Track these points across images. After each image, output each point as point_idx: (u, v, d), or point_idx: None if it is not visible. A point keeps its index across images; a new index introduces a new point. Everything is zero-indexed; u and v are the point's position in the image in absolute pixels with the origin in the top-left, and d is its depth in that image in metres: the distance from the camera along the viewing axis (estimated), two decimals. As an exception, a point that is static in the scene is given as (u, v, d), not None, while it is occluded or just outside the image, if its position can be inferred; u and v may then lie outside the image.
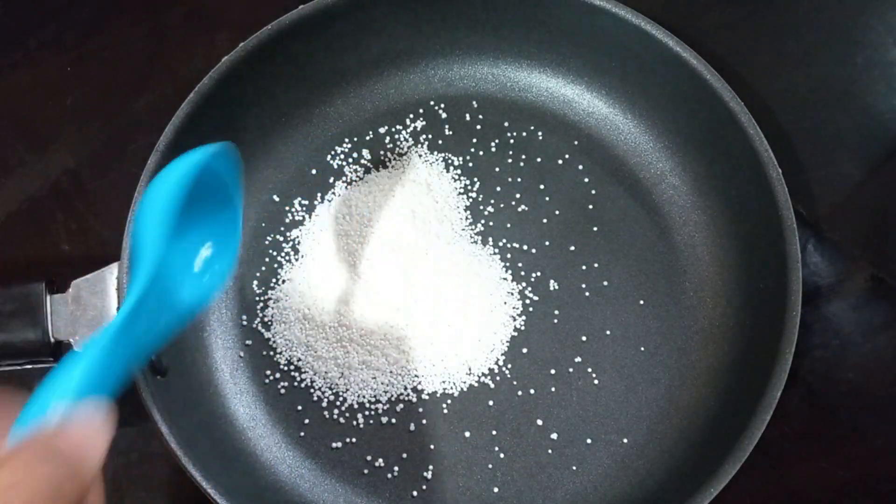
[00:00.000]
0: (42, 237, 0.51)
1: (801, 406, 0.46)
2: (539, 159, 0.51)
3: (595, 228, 0.49)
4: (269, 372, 0.47)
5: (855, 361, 0.47)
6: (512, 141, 0.52)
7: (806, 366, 0.46)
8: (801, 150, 0.50)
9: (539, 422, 0.46)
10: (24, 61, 0.56)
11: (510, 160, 0.51)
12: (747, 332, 0.45)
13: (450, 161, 0.51)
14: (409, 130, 0.52)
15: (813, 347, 0.46)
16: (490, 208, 0.50)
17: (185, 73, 0.46)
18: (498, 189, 0.50)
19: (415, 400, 0.46)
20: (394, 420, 0.46)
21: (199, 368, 0.46)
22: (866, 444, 0.45)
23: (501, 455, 0.45)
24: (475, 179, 0.51)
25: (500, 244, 0.49)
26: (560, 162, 0.51)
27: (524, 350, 0.47)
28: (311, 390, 0.47)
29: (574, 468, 0.45)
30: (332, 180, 0.51)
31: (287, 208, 0.50)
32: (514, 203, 0.50)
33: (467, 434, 0.46)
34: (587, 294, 0.48)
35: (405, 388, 0.46)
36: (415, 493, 0.45)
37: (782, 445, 0.44)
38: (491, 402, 0.46)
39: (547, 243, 0.49)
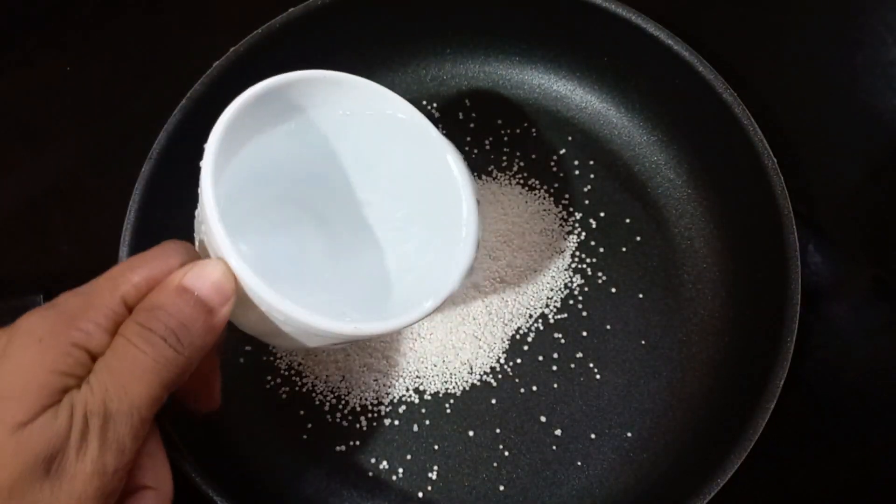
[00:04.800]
0: (41, 237, 0.51)
1: (802, 406, 0.45)
2: (533, 156, 0.51)
3: (592, 224, 0.49)
4: (269, 377, 0.47)
5: (856, 362, 0.46)
6: (506, 138, 0.52)
7: (806, 366, 0.46)
8: (801, 150, 0.49)
9: (542, 418, 0.46)
10: (24, 61, 0.55)
11: (504, 157, 0.51)
12: (748, 322, 0.45)
13: (444, 160, 0.51)
14: (402, 131, 0.52)
15: (813, 348, 0.46)
16: (486, 206, 0.50)
17: (184, 73, 0.46)
18: (493, 187, 0.50)
19: (417, 401, 0.46)
20: (397, 422, 0.46)
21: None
22: (867, 445, 0.45)
23: (506, 453, 0.45)
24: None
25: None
26: (555, 158, 0.51)
27: (525, 347, 0.47)
28: (313, 395, 0.46)
29: (579, 463, 0.45)
30: (326, 183, 0.51)
31: (282, 212, 0.50)
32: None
33: (471, 433, 0.46)
34: (586, 289, 0.48)
35: (407, 390, 0.46)
36: (420, 495, 0.44)
37: (782, 445, 0.44)
38: (494, 401, 0.46)
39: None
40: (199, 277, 0.29)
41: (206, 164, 0.31)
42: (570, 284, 0.48)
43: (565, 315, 0.48)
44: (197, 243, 0.33)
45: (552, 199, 0.50)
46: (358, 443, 0.45)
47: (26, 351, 0.27)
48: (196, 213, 0.34)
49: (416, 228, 0.39)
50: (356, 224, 0.40)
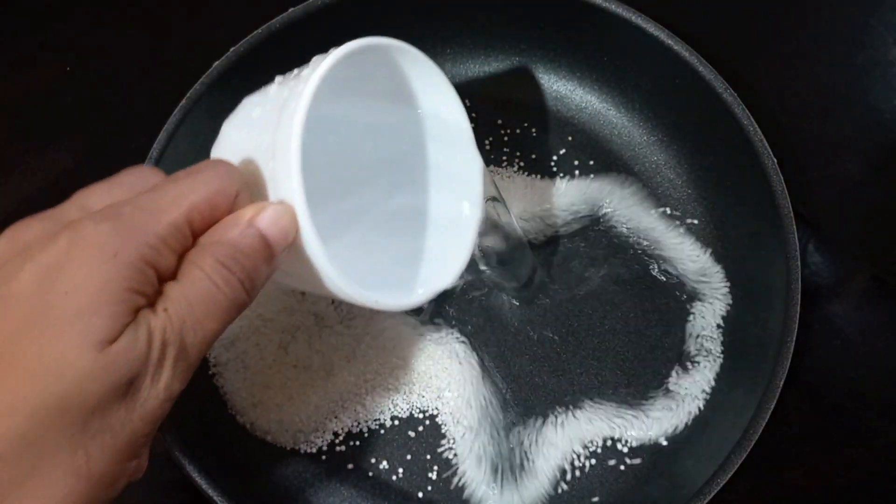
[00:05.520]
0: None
1: (801, 406, 0.45)
2: (533, 156, 0.51)
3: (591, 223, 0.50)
4: (269, 377, 0.47)
5: (855, 361, 0.46)
6: (506, 138, 0.52)
7: (806, 366, 0.46)
8: (801, 150, 0.49)
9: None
10: (24, 61, 0.55)
11: (504, 157, 0.51)
12: (748, 322, 0.45)
13: (444, 160, 0.51)
14: (402, 131, 0.52)
15: (813, 347, 0.46)
16: (486, 206, 0.50)
17: (184, 72, 0.46)
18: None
19: (418, 401, 0.46)
20: (397, 422, 0.46)
21: (198, 374, 0.46)
22: (867, 445, 0.45)
23: (506, 453, 0.45)
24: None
25: (498, 242, 0.49)
26: (555, 158, 0.51)
27: (524, 348, 0.47)
28: (313, 394, 0.46)
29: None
30: (326, 183, 0.51)
31: (282, 212, 0.50)
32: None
33: (471, 433, 0.46)
34: (586, 289, 0.48)
35: (406, 397, 0.46)
36: (420, 495, 0.45)
37: (782, 445, 0.44)
38: (493, 402, 0.46)
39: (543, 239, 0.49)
40: (273, 222, 0.29)
41: (305, 96, 0.29)
42: (569, 284, 0.48)
43: (565, 315, 0.48)
44: (237, 162, 0.31)
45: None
46: (358, 443, 0.45)
47: (101, 264, 0.26)
48: (231, 130, 0.33)
49: (434, 220, 0.39)
50: (382, 208, 0.40)
